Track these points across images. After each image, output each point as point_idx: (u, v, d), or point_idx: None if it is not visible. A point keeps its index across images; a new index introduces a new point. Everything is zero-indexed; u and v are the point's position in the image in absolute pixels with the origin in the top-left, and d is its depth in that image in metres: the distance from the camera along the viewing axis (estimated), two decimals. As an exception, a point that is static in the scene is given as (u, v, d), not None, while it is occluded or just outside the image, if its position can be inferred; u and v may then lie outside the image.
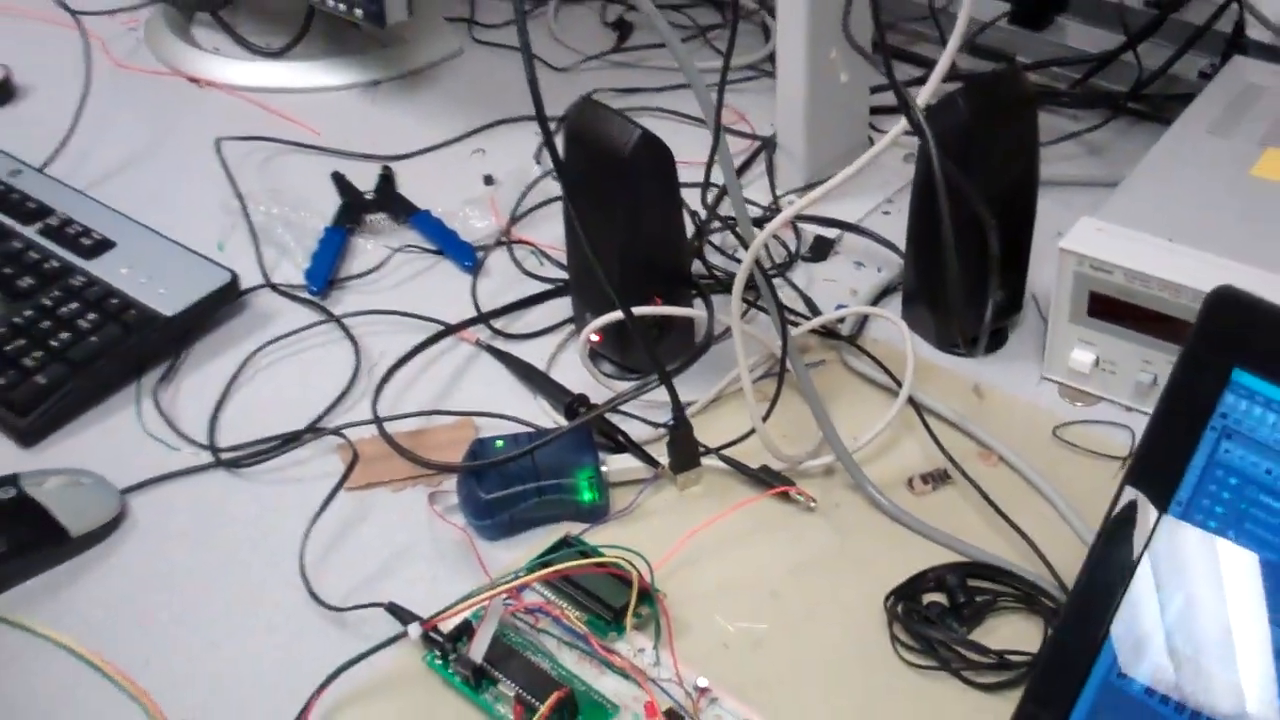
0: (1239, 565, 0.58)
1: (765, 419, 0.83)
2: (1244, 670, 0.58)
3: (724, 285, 0.92)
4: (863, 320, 0.94)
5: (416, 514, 0.83)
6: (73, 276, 0.98)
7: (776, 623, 0.75)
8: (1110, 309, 0.84)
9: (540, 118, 0.72)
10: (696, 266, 0.96)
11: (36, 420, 0.89)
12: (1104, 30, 1.16)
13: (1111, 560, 0.60)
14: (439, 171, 1.14)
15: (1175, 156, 0.92)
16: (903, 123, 0.81)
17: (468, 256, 1.03)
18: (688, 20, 1.30)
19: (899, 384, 0.86)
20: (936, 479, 0.83)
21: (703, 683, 0.70)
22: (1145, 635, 0.59)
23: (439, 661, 0.73)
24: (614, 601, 0.74)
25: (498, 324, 0.97)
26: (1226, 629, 0.58)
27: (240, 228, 1.07)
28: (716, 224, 1.01)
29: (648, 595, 0.74)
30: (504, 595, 0.73)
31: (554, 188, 1.07)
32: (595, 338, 0.88)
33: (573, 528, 0.81)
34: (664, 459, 0.83)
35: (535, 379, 0.91)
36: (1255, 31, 1.09)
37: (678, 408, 0.81)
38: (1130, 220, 0.85)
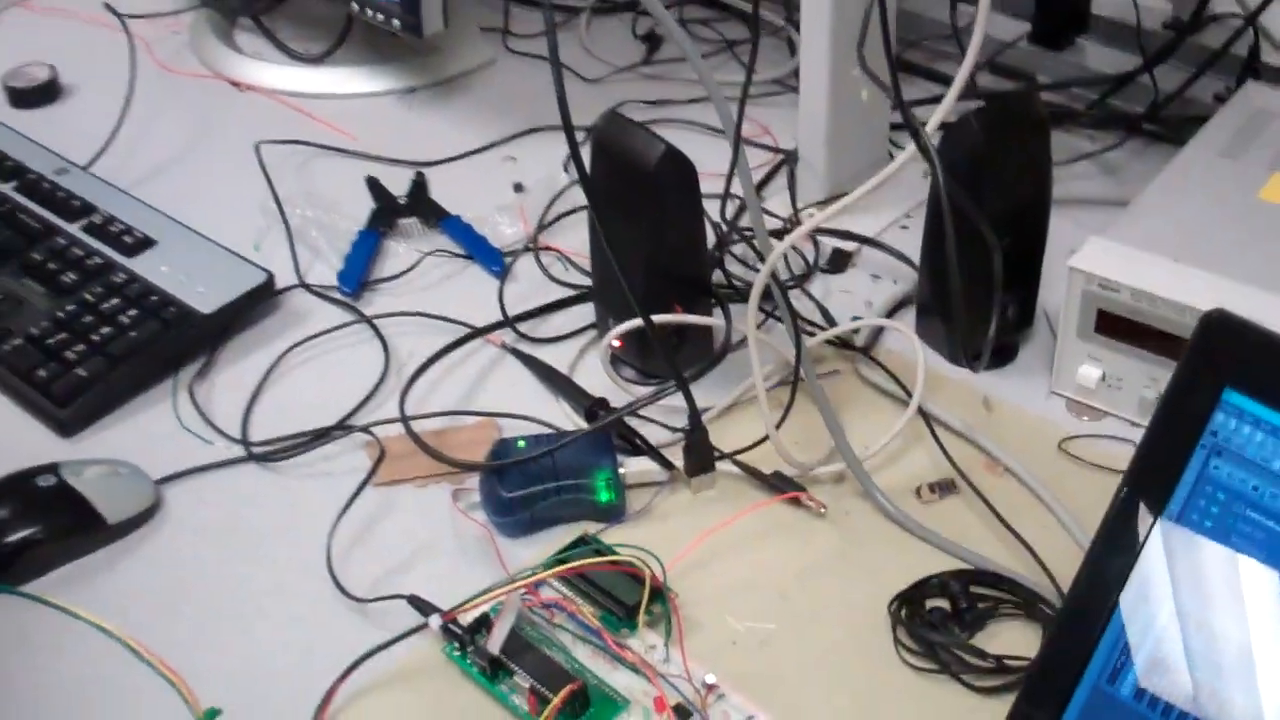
0: (1230, 571, 0.60)
1: (778, 426, 0.85)
2: (1239, 682, 0.60)
3: (742, 295, 0.93)
4: (877, 332, 0.96)
5: (439, 510, 0.85)
6: (114, 273, 1.00)
7: (784, 623, 0.77)
8: (1117, 327, 0.86)
9: (568, 132, 0.73)
10: (717, 276, 0.98)
11: (77, 411, 0.91)
12: (1122, 52, 1.18)
13: (1105, 569, 0.62)
14: (470, 178, 1.15)
15: (1185, 178, 0.93)
16: (924, 138, 0.83)
17: (496, 261, 1.05)
18: (716, 35, 1.31)
19: (910, 395, 0.88)
20: (943, 488, 0.84)
21: (711, 679, 0.72)
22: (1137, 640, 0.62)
23: (457, 652, 0.75)
24: (627, 599, 0.75)
25: (523, 328, 0.99)
26: (1214, 634, 0.60)
27: (276, 229, 1.08)
28: (736, 237, 1.03)
29: (660, 594, 0.76)
30: (522, 590, 0.75)
31: (581, 196, 1.08)
32: (616, 343, 0.90)
33: (590, 527, 0.82)
34: (680, 462, 0.84)
35: (557, 382, 0.93)
36: (1271, 56, 1.10)
37: (694, 413, 0.82)
38: (1138, 240, 0.86)
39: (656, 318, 0.84)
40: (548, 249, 1.06)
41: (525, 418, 0.91)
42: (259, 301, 1.00)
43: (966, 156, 0.86)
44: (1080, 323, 0.87)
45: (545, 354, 0.96)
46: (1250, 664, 0.59)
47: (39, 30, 1.38)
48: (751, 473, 0.85)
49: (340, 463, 0.89)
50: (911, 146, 0.82)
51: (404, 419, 0.89)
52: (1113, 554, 0.62)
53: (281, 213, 1.10)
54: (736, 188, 0.97)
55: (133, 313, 0.96)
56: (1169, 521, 0.61)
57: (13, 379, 0.93)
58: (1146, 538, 0.61)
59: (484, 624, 0.75)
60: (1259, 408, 0.59)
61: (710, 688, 0.72)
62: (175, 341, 0.96)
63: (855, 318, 0.98)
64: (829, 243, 1.05)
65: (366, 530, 0.84)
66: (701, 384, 0.87)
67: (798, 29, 1.03)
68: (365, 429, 0.90)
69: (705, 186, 0.89)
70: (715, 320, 0.91)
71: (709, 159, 0.93)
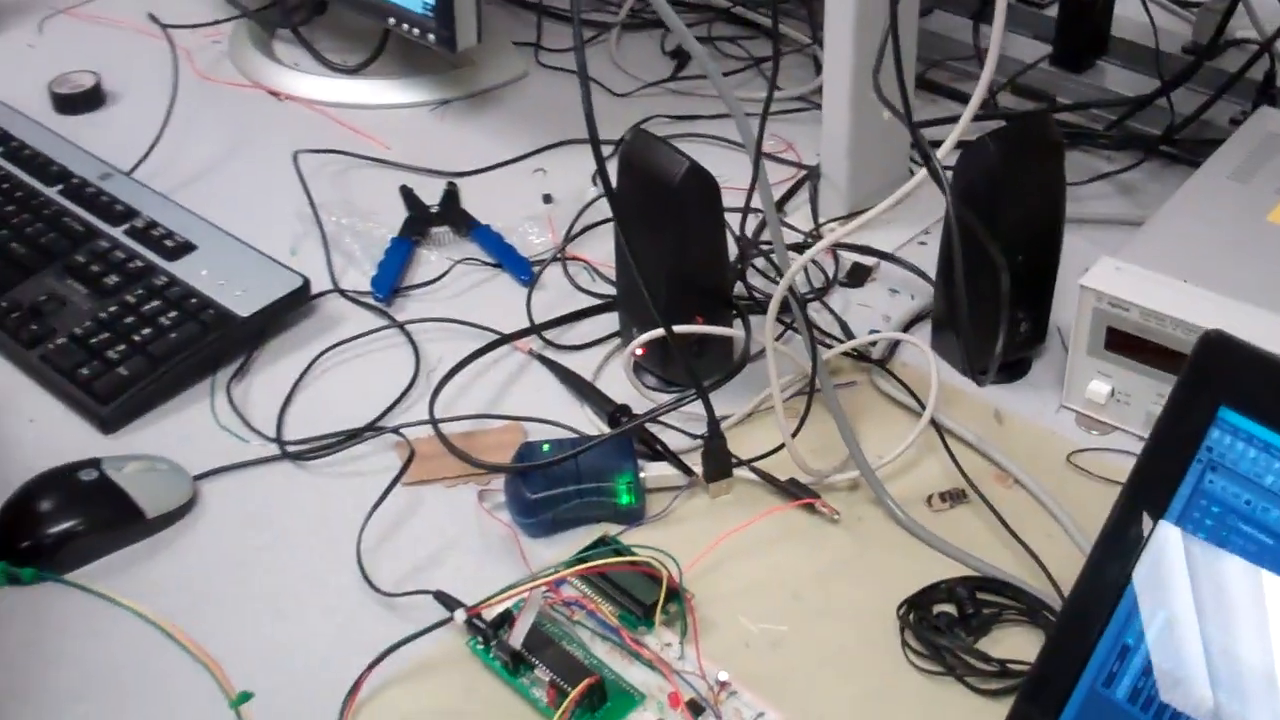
0: (1225, 579, 0.62)
1: (795, 435, 0.87)
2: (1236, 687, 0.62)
3: (763, 307, 0.94)
4: (893, 345, 0.98)
5: (466, 510, 0.87)
6: (155, 276, 1.02)
7: (796, 624, 0.79)
8: (1126, 344, 0.87)
9: (595, 146, 0.75)
10: (738, 288, 0.99)
11: (118, 409, 0.94)
12: (1141, 75, 1.19)
13: (1103, 575, 0.65)
14: (501, 188, 1.17)
15: (1197, 200, 0.95)
16: (935, 163, 0.85)
17: (524, 270, 1.06)
18: (743, 52, 1.33)
19: (923, 407, 0.90)
20: (954, 498, 0.86)
21: (724, 676, 0.74)
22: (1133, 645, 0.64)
23: (480, 646, 0.77)
24: (645, 598, 0.77)
25: (549, 335, 1.00)
26: (1209, 641, 0.62)
27: (312, 235, 1.11)
28: (756, 251, 1.04)
29: (676, 594, 0.78)
30: (543, 588, 0.77)
31: (608, 208, 1.10)
32: (640, 352, 0.91)
33: (610, 528, 0.84)
34: (698, 468, 0.86)
35: (582, 388, 0.95)
36: (1286, 82, 1.12)
37: (713, 421, 0.84)
38: (1149, 260, 0.88)
39: (678, 328, 0.85)
40: (575, 259, 1.08)
41: (550, 422, 0.93)
42: (295, 306, 1.02)
43: (983, 176, 0.88)
44: (1091, 340, 0.89)
45: (570, 361, 0.98)
46: (1238, 669, 0.61)
47: (84, 38, 1.40)
48: (768, 479, 0.87)
49: (371, 462, 0.91)
50: (934, 163, 0.84)
51: (433, 421, 0.91)
52: (1111, 561, 0.64)
53: (317, 220, 1.12)
54: (758, 202, 0.99)
55: (173, 314, 0.99)
56: (1165, 531, 0.63)
57: (57, 377, 0.96)
58: (1144, 547, 0.64)
59: (506, 619, 0.77)
60: (1253, 425, 0.61)
61: (723, 685, 0.74)
62: (214, 343, 0.98)
63: (872, 331, 0.99)
64: (849, 257, 1.06)
65: (395, 528, 0.86)
66: (721, 393, 0.89)
67: (823, 47, 1.05)
68: (396, 430, 0.92)
69: (728, 200, 0.90)
70: (735, 331, 0.93)
71: (733, 173, 0.95)
